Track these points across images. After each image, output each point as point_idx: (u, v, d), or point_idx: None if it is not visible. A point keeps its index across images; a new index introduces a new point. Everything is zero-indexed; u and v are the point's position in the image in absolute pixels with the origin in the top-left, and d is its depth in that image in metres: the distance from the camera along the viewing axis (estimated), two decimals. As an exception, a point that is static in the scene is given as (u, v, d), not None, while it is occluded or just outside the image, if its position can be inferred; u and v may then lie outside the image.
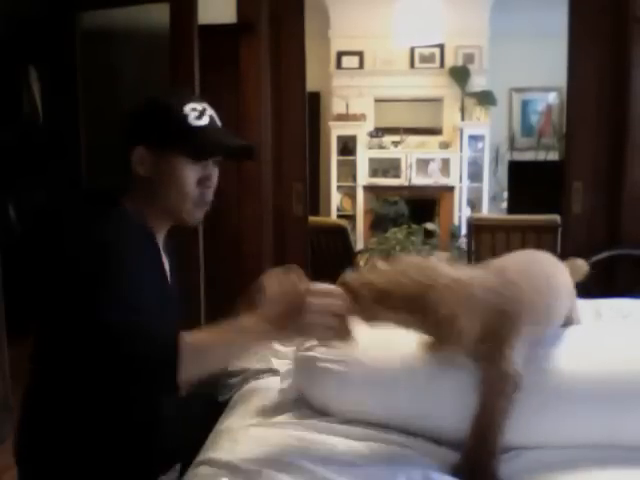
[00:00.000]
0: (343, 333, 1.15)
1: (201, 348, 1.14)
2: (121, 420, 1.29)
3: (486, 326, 1.15)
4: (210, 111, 1.34)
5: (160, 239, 1.39)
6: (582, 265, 1.52)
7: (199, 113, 1.31)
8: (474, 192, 7.00)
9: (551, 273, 1.33)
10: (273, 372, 1.64)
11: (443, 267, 1.17)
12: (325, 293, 1.14)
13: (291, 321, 1.12)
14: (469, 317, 1.14)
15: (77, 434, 1.27)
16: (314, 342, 1.36)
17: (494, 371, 1.17)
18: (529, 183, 5.83)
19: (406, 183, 6.97)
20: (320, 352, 1.35)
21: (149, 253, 1.34)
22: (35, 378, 1.33)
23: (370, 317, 1.14)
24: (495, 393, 1.16)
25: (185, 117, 1.29)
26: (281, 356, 1.68)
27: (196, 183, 1.32)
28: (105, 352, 1.13)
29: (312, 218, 3.77)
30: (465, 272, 1.21)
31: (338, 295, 1.14)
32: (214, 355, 1.18)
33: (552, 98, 6.99)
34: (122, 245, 1.21)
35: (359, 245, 6.18)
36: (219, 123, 1.37)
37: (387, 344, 1.33)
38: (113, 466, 1.29)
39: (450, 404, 1.24)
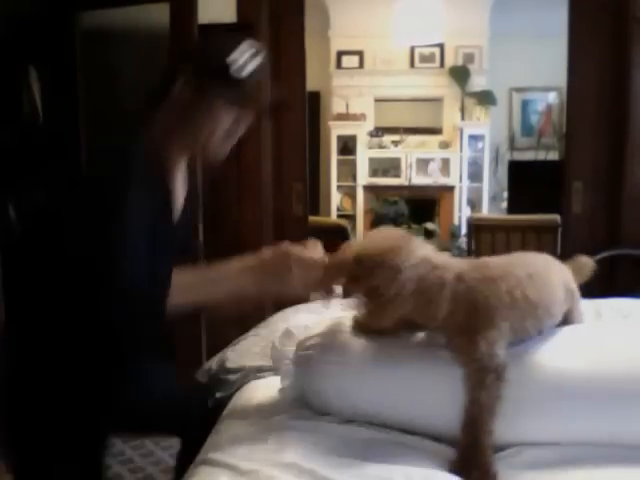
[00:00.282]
0: (324, 287, 1.33)
1: (183, 287, 1.29)
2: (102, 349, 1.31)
3: (455, 315, 1.19)
4: (259, 58, 1.34)
5: (180, 168, 1.40)
6: (587, 262, 1.53)
7: (246, 60, 1.31)
8: (474, 192, 7.00)
9: (543, 274, 1.33)
10: (274, 370, 1.63)
11: (419, 246, 1.23)
12: (309, 265, 1.31)
13: (272, 272, 1.31)
14: (432, 297, 1.19)
15: (59, 370, 1.29)
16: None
17: (473, 365, 1.18)
18: (529, 183, 5.84)
19: (406, 183, 6.97)
20: (321, 351, 1.36)
21: (156, 199, 1.31)
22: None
23: (352, 282, 1.25)
24: (477, 387, 1.17)
25: (230, 64, 1.30)
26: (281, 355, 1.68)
27: (230, 125, 1.34)
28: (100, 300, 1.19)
29: (312, 218, 3.77)
30: (443, 258, 1.24)
31: (318, 267, 1.30)
32: (194, 294, 1.32)
33: (552, 98, 6.99)
34: (127, 198, 1.21)
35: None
36: (264, 71, 1.36)
37: (389, 342, 1.34)
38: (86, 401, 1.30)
39: (451, 401, 1.24)
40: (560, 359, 1.25)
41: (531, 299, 1.25)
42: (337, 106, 6.96)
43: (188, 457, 1.37)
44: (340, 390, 1.33)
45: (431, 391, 1.27)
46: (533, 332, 1.27)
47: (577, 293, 1.43)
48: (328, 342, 1.37)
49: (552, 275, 1.35)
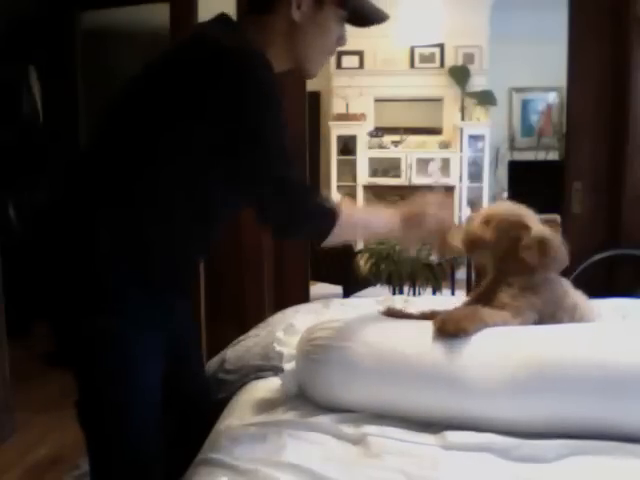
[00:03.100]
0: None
1: (349, 219, 1.37)
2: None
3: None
4: None
5: None
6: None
7: None
8: (474, 192, 7.00)
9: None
10: (274, 370, 1.64)
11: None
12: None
13: (414, 222, 1.44)
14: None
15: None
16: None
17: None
18: (529, 183, 5.83)
19: (406, 183, 6.97)
20: (325, 343, 1.38)
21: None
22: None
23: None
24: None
25: None
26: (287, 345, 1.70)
27: (334, 40, 1.39)
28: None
29: (312, 218, 3.76)
30: None
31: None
32: (354, 228, 1.43)
33: (552, 98, 6.99)
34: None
35: (359, 245, 6.18)
36: None
37: (393, 332, 1.39)
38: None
39: (453, 397, 1.26)
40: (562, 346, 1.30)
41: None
42: (337, 106, 6.96)
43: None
44: (342, 383, 1.35)
45: (433, 389, 1.29)
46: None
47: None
48: (332, 334, 1.40)
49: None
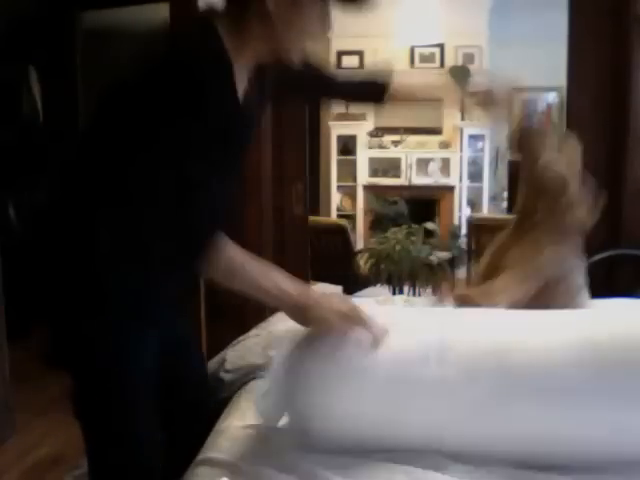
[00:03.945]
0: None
1: (236, 269, 1.35)
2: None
3: None
4: None
5: (245, 70, 1.32)
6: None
7: None
8: (474, 192, 7.00)
9: None
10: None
11: None
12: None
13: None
14: None
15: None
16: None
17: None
18: (529, 183, 5.82)
19: (406, 183, 6.97)
20: (312, 358, 1.30)
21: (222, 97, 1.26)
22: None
23: None
24: None
25: None
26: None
27: (315, 23, 1.31)
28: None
29: (312, 218, 3.78)
30: None
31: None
32: (242, 281, 1.33)
33: (552, 98, 6.99)
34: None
35: (359, 245, 6.17)
36: None
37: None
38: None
39: (448, 419, 1.21)
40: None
41: None
42: (337, 106, 6.95)
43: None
44: (328, 409, 1.22)
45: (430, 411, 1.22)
46: None
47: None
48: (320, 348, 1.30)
49: None
